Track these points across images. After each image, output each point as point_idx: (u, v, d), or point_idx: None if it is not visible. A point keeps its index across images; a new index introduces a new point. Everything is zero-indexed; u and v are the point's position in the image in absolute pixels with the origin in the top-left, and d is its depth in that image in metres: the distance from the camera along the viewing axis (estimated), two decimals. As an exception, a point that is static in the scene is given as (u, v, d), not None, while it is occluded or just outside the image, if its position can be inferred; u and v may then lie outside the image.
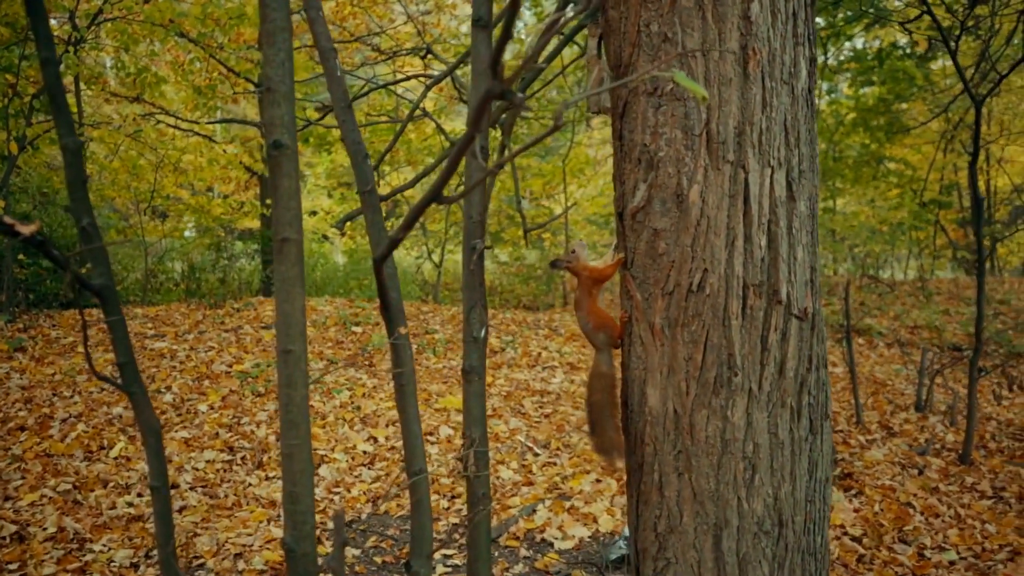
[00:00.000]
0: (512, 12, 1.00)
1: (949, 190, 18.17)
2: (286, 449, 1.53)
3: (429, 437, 4.88)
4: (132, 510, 3.76)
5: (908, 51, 11.50)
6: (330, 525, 3.83)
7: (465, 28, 13.44)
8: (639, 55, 1.73)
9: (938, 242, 16.61)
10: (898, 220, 12.61)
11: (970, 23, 3.81)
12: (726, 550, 1.85)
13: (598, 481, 4.34)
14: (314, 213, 17.98)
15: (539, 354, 6.86)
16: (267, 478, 4.24)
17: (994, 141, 13.60)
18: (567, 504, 4.06)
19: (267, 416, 4.98)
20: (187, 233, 14.02)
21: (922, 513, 4.03)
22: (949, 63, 14.45)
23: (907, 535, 3.80)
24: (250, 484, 4.15)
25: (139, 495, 3.93)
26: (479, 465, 1.93)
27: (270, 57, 1.43)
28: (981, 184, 20.05)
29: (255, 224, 13.53)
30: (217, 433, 4.69)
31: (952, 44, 4.00)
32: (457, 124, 15.84)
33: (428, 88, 5.01)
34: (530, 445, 4.86)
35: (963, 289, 12.88)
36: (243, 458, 4.43)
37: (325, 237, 18.02)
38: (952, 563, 3.56)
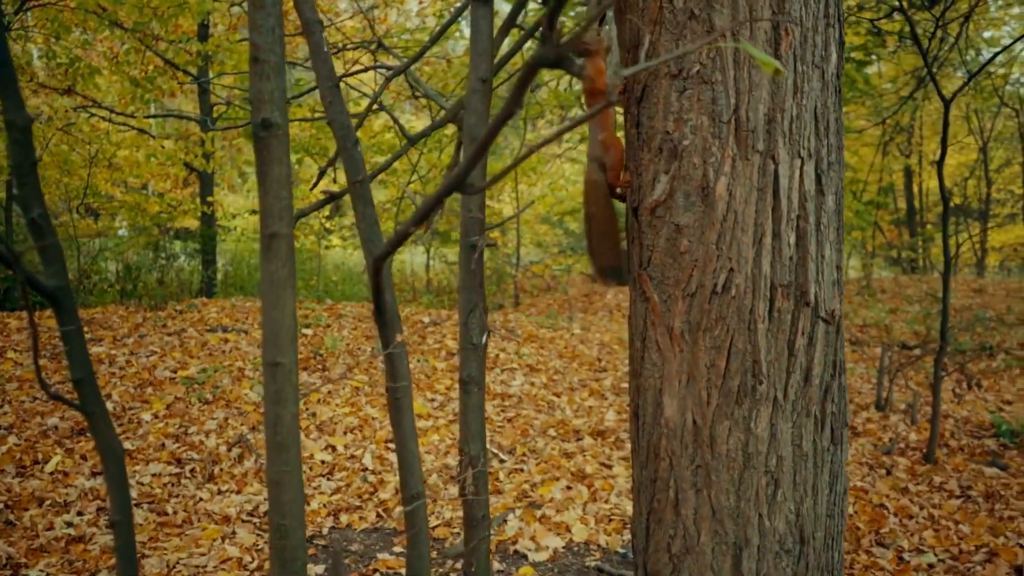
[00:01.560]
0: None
1: (886, 192, 18.65)
2: (273, 475, 1.33)
3: (390, 444, 4.67)
4: (72, 531, 3.46)
5: (849, 55, 11.69)
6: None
7: (412, 24, 13.20)
8: (661, 34, 1.58)
9: (876, 242, 17.01)
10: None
11: (942, 27, 3.78)
12: (746, 572, 1.71)
13: (568, 488, 4.20)
14: (255, 211, 17.49)
15: (497, 356, 6.70)
16: (219, 492, 3.97)
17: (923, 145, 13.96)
18: (538, 513, 3.90)
19: (216, 425, 4.70)
20: (121, 232, 13.44)
21: (896, 515, 3.99)
22: (886, 67, 14.78)
23: (884, 538, 3.75)
24: (201, 499, 3.89)
25: (79, 514, 3.63)
26: (478, 485, 1.76)
27: (258, 22, 1.23)
28: (914, 187, 20.64)
29: (193, 223, 13.04)
30: (163, 444, 4.40)
31: (925, 44, 3.97)
32: (405, 119, 15.58)
33: (388, 80, 4.78)
34: (495, 452, 4.69)
35: (904, 288, 13.18)
36: (192, 471, 4.16)
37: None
38: (931, 566, 3.52)
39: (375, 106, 5.22)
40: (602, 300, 10.55)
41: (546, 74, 11.07)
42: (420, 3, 12.60)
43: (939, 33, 4.38)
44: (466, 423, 1.77)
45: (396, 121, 5.50)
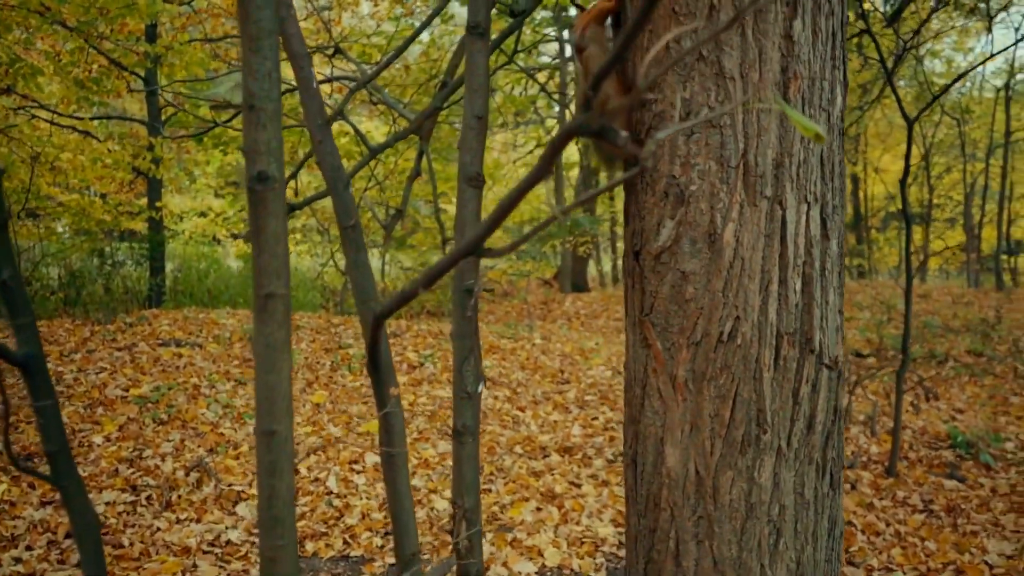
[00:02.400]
0: (644, 15, 0.77)
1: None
2: (268, 552, 1.24)
3: (355, 465, 4.55)
4: (21, 567, 3.28)
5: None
6: (255, 572, 3.47)
7: (367, 26, 13.00)
8: (668, 74, 1.53)
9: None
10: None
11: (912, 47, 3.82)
12: (748, 623, 1.67)
13: (539, 509, 4.14)
14: (204, 215, 17.05)
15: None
16: (177, 521, 3.82)
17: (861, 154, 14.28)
18: (509, 536, 3.83)
19: (172, 447, 4.52)
20: (61, 232, 12.96)
21: (863, 531, 4.02)
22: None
23: (853, 556, 3.78)
24: (158, 528, 3.73)
25: (28, 548, 3.44)
26: (472, 541, 1.68)
27: (254, 67, 1.14)
28: (860, 193, 21.12)
29: (140, 226, 12.65)
30: (116, 470, 4.21)
31: (889, 67, 4.01)
32: (359, 122, 15.36)
33: (352, 92, 4.68)
34: (463, 471, 4.60)
35: (853, 294, 13.43)
36: (148, 498, 3.98)
37: (216, 240, 17.12)
38: (901, 585, 3.55)
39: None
40: (560, 308, 10.52)
41: (501, 79, 11.00)
42: (375, 6, 12.44)
43: (896, 50, 4.43)
44: (460, 474, 1.69)
45: (359, 132, 5.38)
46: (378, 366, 1.46)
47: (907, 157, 4.27)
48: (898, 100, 3.78)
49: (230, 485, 4.15)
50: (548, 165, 0.95)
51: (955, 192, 22.42)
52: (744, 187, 1.52)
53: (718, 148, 1.51)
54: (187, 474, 4.23)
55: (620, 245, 14.84)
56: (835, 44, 1.58)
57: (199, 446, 4.59)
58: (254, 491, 4.10)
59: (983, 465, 5.19)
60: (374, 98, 7.05)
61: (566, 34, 13.58)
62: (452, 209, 15.20)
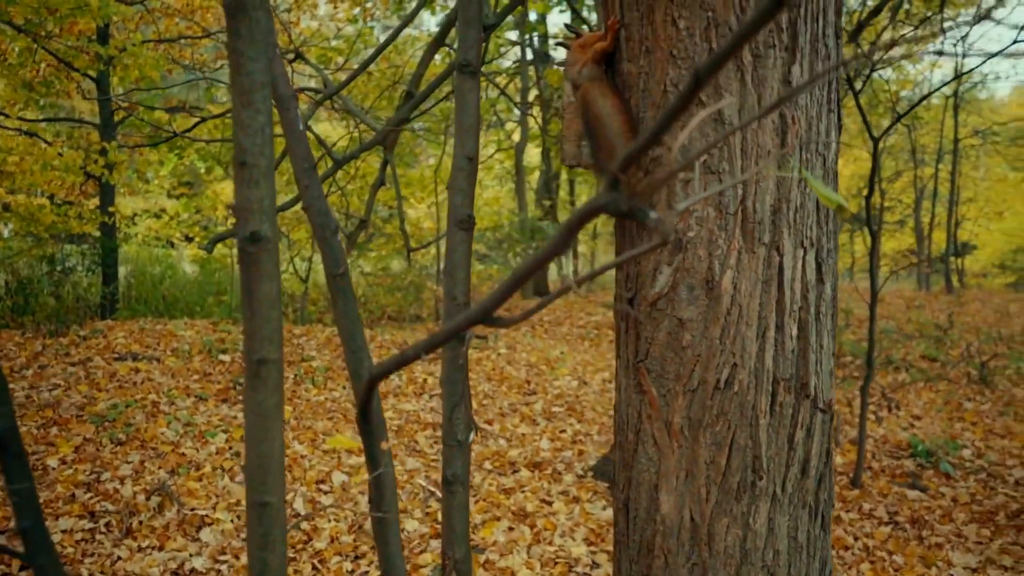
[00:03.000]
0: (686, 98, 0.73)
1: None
2: (259, 629, 1.17)
3: (322, 485, 4.46)
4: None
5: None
6: (220, 604, 3.37)
7: (327, 28, 12.83)
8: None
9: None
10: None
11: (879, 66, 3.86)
12: (742, 669, 1.65)
13: (511, 529, 4.10)
14: (158, 216, 16.66)
15: (425, 380, 6.54)
16: (139, 549, 3.69)
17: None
18: (482, 558, 3.79)
19: (132, 469, 4.38)
20: (7, 237, 12.54)
21: (833, 546, 4.06)
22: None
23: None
24: (119, 558, 3.60)
25: (-19, 583, 3.30)
26: (464, 591, 1.63)
27: (246, 122, 1.08)
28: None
29: (91, 229, 12.29)
30: (73, 495, 4.06)
31: (857, 87, 4.05)
32: (317, 125, 15.15)
33: (318, 104, 4.60)
34: (432, 489, 4.55)
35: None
36: (108, 525, 3.85)
37: (170, 243, 16.75)
38: (871, 601, 3.59)
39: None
40: (524, 314, 10.49)
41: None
42: (335, 8, 12.28)
43: (864, 71, 4.48)
44: (450, 525, 1.64)
45: (323, 144, 5.29)
46: (369, 420, 1.40)
47: (872, 175, 4.32)
48: (866, 122, 3.82)
49: (193, 509, 4.04)
50: (568, 240, 0.91)
51: (905, 195, 22.97)
52: (742, 234, 1.50)
53: (716, 195, 1.48)
54: (148, 498, 4.10)
55: (582, 250, 14.88)
56: (831, 88, 1.56)
57: (160, 467, 4.46)
58: (219, 515, 3.99)
59: (943, 474, 5.29)
60: (336, 104, 6.94)
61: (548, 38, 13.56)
62: (412, 213, 15.07)
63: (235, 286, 10.76)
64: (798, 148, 1.51)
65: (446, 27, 4.35)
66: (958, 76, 4.27)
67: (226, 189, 16.88)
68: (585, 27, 1.74)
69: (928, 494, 4.92)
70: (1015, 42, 3.72)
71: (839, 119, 1.61)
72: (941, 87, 3.56)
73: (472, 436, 1.61)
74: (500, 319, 1.04)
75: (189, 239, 16.41)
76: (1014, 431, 6.64)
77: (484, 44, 6.05)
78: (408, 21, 4.54)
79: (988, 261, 24.96)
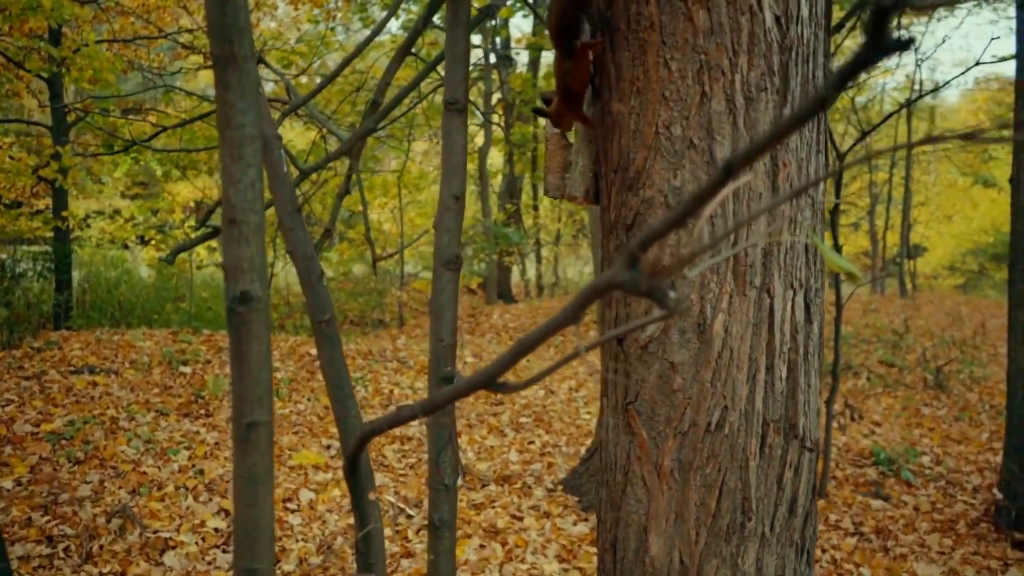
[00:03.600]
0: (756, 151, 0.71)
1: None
2: None
3: (288, 504, 4.38)
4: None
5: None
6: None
7: (289, 31, 12.66)
8: (656, 160, 1.48)
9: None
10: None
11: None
12: None
13: (482, 547, 4.07)
14: (112, 217, 16.26)
15: (391, 391, 6.47)
16: (100, 575, 3.58)
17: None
18: (454, 578, 3.75)
19: (91, 490, 4.25)
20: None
21: (800, 559, 4.10)
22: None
23: (793, 586, 3.84)
24: (79, 585, 3.49)
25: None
26: (451, 638, 1.60)
27: (235, 176, 1.03)
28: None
29: (43, 230, 11.95)
30: (30, 518, 3.93)
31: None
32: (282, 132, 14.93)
33: (285, 115, 4.51)
34: (401, 506, 4.49)
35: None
36: (67, 550, 3.73)
37: (125, 246, 16.35)
38: (841, 615, 3.63)
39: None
40: (488, 320, 10.47)
41: (424, 87, 10.85)
42: (295, 9, 12.12)
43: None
44: (436, 571, 1.61)
45: (289, 154, 5.20)
46: (357, 472, 1.36)
47: (836, 191, 4.38)
48: (833, 142, 3.86)
49: (156, 532, 3.93)
50: (579, 312, 0.89)
51: (861, 200, 23.42)
52: (734, 277, 1.49)
53: (708, 238, 1.47)
54: (108, 521, 3.98)
55: (545, 254, 14.89)
56: (820, 129, 1.56)
57: (120, 488, 4.34)
58: (183, 538, 3.90)
59: (904, 482, 5.38)
60: (301, 112, 6.84)
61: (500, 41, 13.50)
62: (373, 216, 14.92)
63: (194, 292, 10.55)
64: (788, 190, 1.51)
65: (413, 35, 4.30)
66: (936, 89, 4.34)
67: (183, 191, 16.55)
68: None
69: (891, 503, 5.00)
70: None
71: (826, 159, 1.61)
72: (922, 97, 3.61)
73: (460, 480, 1.58)
74: (506, 384, 1.02)
75: (145, 241, 16.05)
76: (969, 436, 6.79)
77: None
78: (376, 32, 4.48)
79: (938, 263, 25.58)
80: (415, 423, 5.80)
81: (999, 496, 4.40)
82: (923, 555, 4.20)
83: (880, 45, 0.59)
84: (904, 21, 13.91)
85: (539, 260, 14.84)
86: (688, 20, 1.42)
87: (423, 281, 12.93)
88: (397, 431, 5.64)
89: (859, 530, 4.54)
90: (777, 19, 1.44)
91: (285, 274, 13.03)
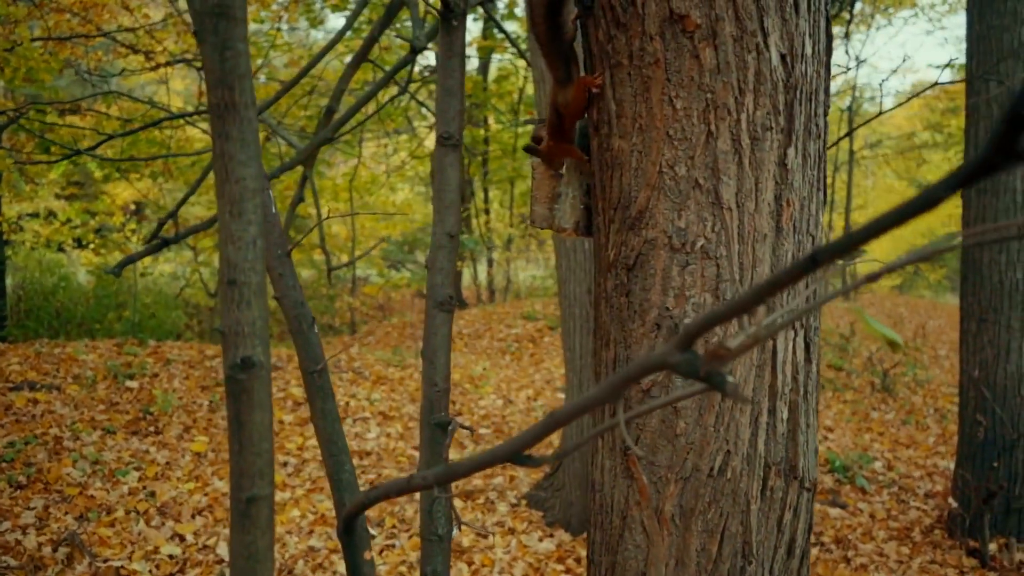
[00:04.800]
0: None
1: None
2: None
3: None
4: None
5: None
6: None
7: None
8: (660, 200, 1.43)
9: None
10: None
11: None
12: None
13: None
14: (47, 219, 15.66)
15: (347, 404, 6.34)
16: (47, 609, 3.41)
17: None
18: (420, 601, 3.67)
19: (35, 517, 4.05)
20: None
21: (765, 571, 4.12)
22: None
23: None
24: (25, 621, 3.31)
25: None
26: None
27: (235, 234, 0.95)
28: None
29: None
30: (-31, 550, 3.72)
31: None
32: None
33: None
34: (373, 533, 4.38)
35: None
36: (10, 583, 3.54)
37: (61, 248, 15.77)
38: (807, 629, 3.65)
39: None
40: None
41: (385, 95, 10.70)
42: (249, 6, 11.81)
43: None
44: (429, 625, 1.54)
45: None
46: (352, 533, 1.29)
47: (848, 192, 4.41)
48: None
49: (106, 560, 3.76)
50: (619, 392, 0.84)
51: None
52: (738, 320, 1.45)
53: (714, 280, 1.43)
54: (55, 550, 3.80)
55: (496, 257, 14.84)
56: (820, 167, 1.54)
57: (66, 513, 4.14)
58: (135, 566, 3.73)
59: (859, 489, 5.48)
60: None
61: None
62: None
63: (137, 299, 10.21)
64: (791, 230, 1.48)
65: (369, 43, 4.21)
66: (904, 105, 4.39)
67: (123, 193, 16.06)
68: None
69: (848, 511, 5.08)
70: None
71: (825, 195, 1.59)
72: (891, 109, 3.64)
73: (455, 532, 1.52)
74: (532, 458, 0.96)
75: (83, 245, 15.49)
76: (917, 440, 6.96)
77: (411, 66, 5.93)
78: (335, 41, 4.37)
79: (874, 265, 26.37)
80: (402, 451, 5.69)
81: (954, 505, 4.50)
82: (882, 564, 4.27)
83: (1010, 152, 0.55)
84: (845, 29, 14.23)
85: (491, 264, 14.78)
86: (694, 58, 1.38)
87: (374, 286, 12.75)
88: (353, 445, 5.52)
89: (819, 540, 4.59)
90: (783, 57, 1.41)
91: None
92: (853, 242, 0.62)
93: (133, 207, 16.63)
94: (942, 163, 22.26)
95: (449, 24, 1.41)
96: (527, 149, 1.65)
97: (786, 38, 1.41)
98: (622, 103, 1.46)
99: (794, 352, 1.54)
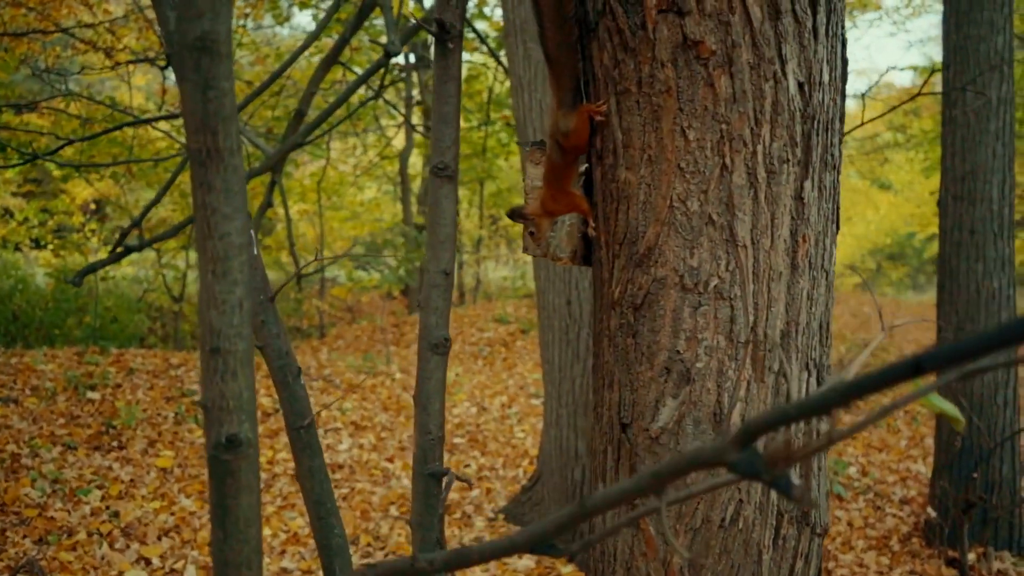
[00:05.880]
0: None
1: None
2: None
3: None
4: None
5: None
6: None
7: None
8: (670, 236, 1.35)
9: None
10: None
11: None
12: None
13: (425, 587, 3.88)
14: (3, 217, 15.21)
15: (319, 413, 6.18)
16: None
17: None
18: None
19: (-9, 542, 3.87)
20: None
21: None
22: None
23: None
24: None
25: None
26: None
27: (219, 297, 0.84)
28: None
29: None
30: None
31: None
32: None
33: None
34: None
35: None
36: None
37: (18, 248, 15.32)
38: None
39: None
40: (413, 331, 10.23)
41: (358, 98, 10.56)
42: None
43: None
44: None
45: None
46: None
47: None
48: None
49: (68, 588, 3.60)
50: (663, 485, 0.76)
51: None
52: (753, 362, 1.37)
53: (727, 322, 1.35)
54: (13, 577, 3.62)
55: (466, 258, 14.72)
56: (835, 198, 1.46)
57: (25, 537, 3.96)
58: (98, 594, 3.58)
59: (836, 495, 5.47)
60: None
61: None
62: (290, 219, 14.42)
63: (99, 304, 9.92)
64: (807, 266, 1.40)
65: (340, 45, 4.09)
66: (885, 118, 4.38)
67: (83, 192, 15.68)
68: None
69: (826, 519, 5.06)
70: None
71: (837, 227, 1.52)
72: (872, 120, 3.60)
73: (451, 590, 1.42)
74: (555, 547, 0.87)
75: (38, 245, 15.06)
76: (889, 444, 7.00)
77: (385, 70, 5.81)
78: (307, 44, 4.23)
79: (839, 263, 26.71)
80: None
81: (933, 515, 4.50)
82: (863, 575, 4.25)
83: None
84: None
85: (460, 265, 14.66)
86: (709, 86, 1.29)
87: (342, 288, 12.56)
88: (327, 458, 5.38)
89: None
90: (800, 86, 1.33)
91: (198, 284, 12.34)
92: (963, 354, 0.54)
93: (93, 206, 16.21)
94: (904, 163, 22.54)
95: (445, 46, 1.31)
96: (512, 216, 1.54)
97: (804, 65, 1.33)
98: (629, 132, 1.37)
99: (807, 394, 1.46)
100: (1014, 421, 4.55)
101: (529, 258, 16.91)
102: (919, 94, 3.64)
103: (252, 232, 1.17)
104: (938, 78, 6.31)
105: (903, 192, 24.86)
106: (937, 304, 4.85)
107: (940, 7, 4.85)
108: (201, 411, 5.61)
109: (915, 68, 13.70)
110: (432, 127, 1.35)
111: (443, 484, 1.35)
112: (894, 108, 3.72)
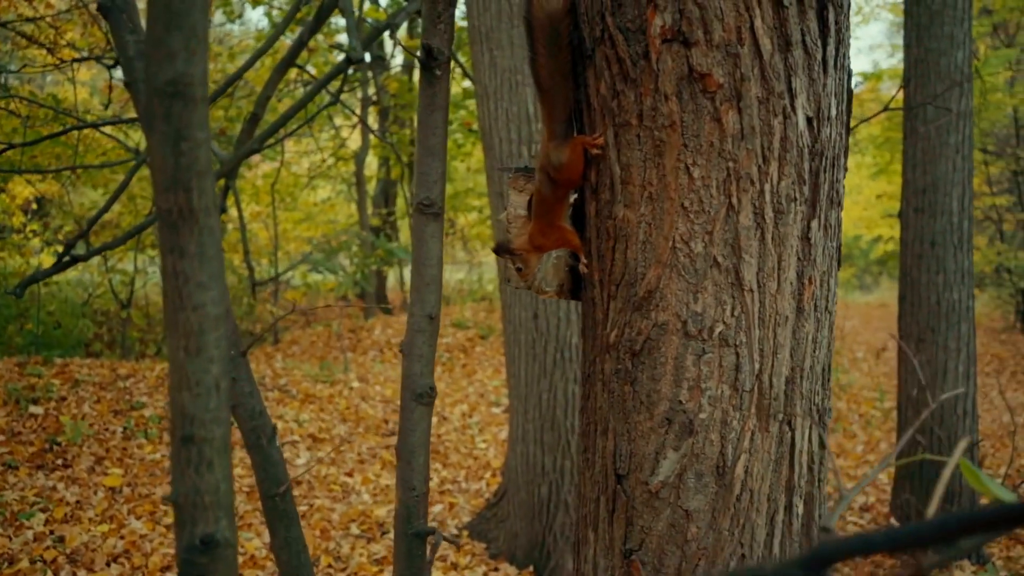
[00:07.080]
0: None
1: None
2: None
3: (168, 574, 3.91)
4: None
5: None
6: None
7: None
8: (672, 279, 1.26)
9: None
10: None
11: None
12: None
13: (389, 611, 3.77)
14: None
15: (274, 425, 6.01)
16: None
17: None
18: (361, 653, 3.44)
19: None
20: None
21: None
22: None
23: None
24: None
25: None
26: None
27: (193, 378, 0.73)
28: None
29: None
30: None
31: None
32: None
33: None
34: None
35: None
36: None
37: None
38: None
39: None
40: (370, 336, 10.06)
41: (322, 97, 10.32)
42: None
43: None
44: None
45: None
46: None
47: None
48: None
49: (9, 622, 3.40)
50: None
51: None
52: (757, 412, 1.30)
53: (732, 371, 1.27)
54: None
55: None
56: (838, 236, 1.40)
57: (-38, 567, 3.74)
58: (42, 627, 3.38)
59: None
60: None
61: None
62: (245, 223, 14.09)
63: (41, 309, 9.53)
64: (812, 309, 1.34)
65: (297, 47, 3.95)
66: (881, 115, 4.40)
67: (24, 190, 15.11)
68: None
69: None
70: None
71: (839, 264, 1.46)
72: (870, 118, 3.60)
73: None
74: None
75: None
76: (846, 449, 7.07)
77: (344, 75, 5.62)
78: (264, 50, 4.08)
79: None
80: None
81: (895, 524, 4.52)
82: (829, 589, 4.24)
83: None
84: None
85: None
86: (715, 121, 1.21)
87: (296, 292, 12.30)
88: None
89: (765, 563, 4.55)
90: (809, 121, 1.26)
91: (146, 289, 11.96)
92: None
93: (35, 206, 15.65)
94: (851, 167, 23.01)
95: (432, 74, 1.21)
96: (498, 252, 1.45)
97: (813, 99, 1.26)
98: (629, 168, 1.29)
99: (810, 441, 1.40)
100: (974, 431, 4.60)
101: (489, 260, 16.76)
102: (886, 109, 3.63)
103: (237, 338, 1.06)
104: (897, 86, 6.37)
105: (851, 195, 25.47)
106: (899, 316, 4.88)
107: (889, 16, 4.88)
108: (151, 424, 5.39)
109: (864, 76, 13.91)
110: (417, 160, 1.25)
111: (430, 545, 1.25)
112: (860, 122, 3.71)
